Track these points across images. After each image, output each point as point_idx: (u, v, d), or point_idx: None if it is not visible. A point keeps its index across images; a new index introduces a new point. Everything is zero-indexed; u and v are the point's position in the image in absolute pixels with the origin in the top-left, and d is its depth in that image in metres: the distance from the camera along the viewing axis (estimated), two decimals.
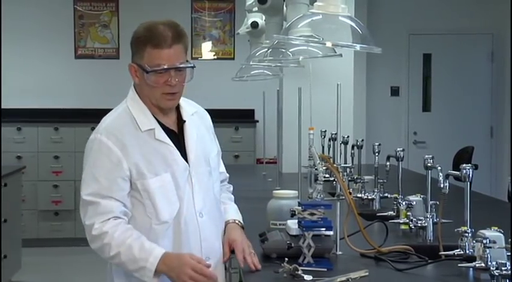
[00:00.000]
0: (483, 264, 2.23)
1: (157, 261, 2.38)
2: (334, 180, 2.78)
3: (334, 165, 2.71)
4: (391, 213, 3.23)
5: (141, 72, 2.47)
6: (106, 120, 2.53)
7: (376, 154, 3.75)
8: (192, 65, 2.52)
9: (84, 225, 2.46)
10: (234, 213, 2.72)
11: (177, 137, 2.55)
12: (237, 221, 2.68)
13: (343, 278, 2.22)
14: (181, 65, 2.47)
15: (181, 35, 2.47)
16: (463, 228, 2.46)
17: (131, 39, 2.51)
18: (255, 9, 4.43)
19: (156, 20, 2.48)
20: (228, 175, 2.87)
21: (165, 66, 2.43)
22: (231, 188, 2.89)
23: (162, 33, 2.42)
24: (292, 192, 2.84)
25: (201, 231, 2.52)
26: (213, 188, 2.61)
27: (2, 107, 8.08)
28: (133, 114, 2.51)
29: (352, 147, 4.23)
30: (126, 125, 2.49)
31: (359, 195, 3.77)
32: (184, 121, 2.58)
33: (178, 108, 2.60)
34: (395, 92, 8.57)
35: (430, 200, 2.88)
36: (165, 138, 2.51)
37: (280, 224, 2.69)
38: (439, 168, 2.72)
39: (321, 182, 2.56)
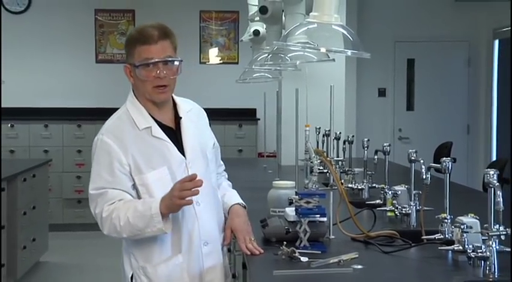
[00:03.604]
0: (461, 247, 2.22)
1: (158, 204, 2.32)
2: (327, 172, 2.77)
3: (328, 158, 2.70)
4: (378, 201, 3.22)
5: (134, 70, 2.42)
6: (108, 122, 2.50)
7: (365, 149, 3.74)
8: (179, 59, 2.44)
9: (95, 215, 2.43)
10: (236, 197, 2.68)
11: (175, 133, 2.49)
12: (239, 203, 2.64)
13: (336, 260, 2.21)
14: (167, 59, 2.40)
15: (168, 33, 2.42)
16: (443, 215, 2.45)
17: (124, 44, 2.50)
18: (257, 18, 4.43)
19: (146, 23, 2.46)
20: (224, 165, 2.82)
21: (153, 60, 2.37)
22: (227, 175, 2.84)
23: (149, 32, 2.39)
24: (290, 183, 2.83)
25: (198, 219, 2.47)
26: (210, 178, 2.55)
27: (31, 106, 8.16)
28: (131, 115, 2.46)
29: (344, 142, 4.23)
30: (125, 125, 2.45)
31: (350, 185, 3.76)
32: (181, 118, 2.52)
33: (175, 106, 2.54)
34: (382, 93, 8.56)
35: (414, 190, 2.87)
36: (161, 135, 2.45)
37: (279, 211, 2.68)
38: (422, 161, 2.71)
39: (316, 174, 2.55)
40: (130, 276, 2.49)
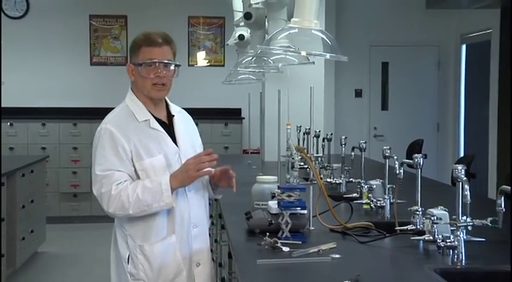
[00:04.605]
0: (431, 237, 2.23)
1: (168, 179, 2.41)
2: (307, 167, 2.77)
3: (308, 155, 2.70)
4: (355, 195, 3.24)
5: (136, 68, 2.52)
6: (109, 115, 2.57)
7: (343, 146, 3.75)
8: (178, 63, 2.55)
9: (101, 195, 2.43)
10: None
11: (168, 128, 2.58)
12: None
13: (315, 249, 2.21)
14: (167, 61, 2.51)
15: (170, 40, 2.54)
16: (415, 207, 2.47)
17: (130, 45, 2.60)
18: (242, 24, 4.41)
19: (152, 31, 2.56)
20: None
21: (154, 60, 2.48)
22: None
23: (154, 37, 2.51)
24: (273, 178, 2.83)
25: (189, 203, 2.53)
26: None
27: (29, 106, 8.11)
28: (131, 109, 2.54)
29: (323, 139, 4.23)
30: (126, 117, 2.52)
31: (328, 180, 3.77)
32: (173, 115, 2.62)
33: (167, 107, 2.63)
34: (358, 93, 8.58)
35: (388, 184, 2.88)
36: (158, 127, 2.54)
37: (262, 204, 2.68)
38: (395, 157, 2.72)
39: (297, 169, 2.56)
40: (127, 256, 2.52)
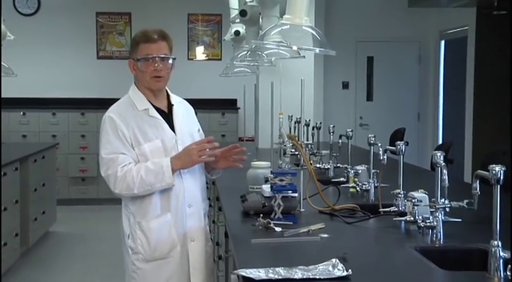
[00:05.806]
0: (412, 218, 2.23)
1: (169, 161, 2.44)
2: (298, 154, 2.77)
3: (299, 142, 2.70)
4: (342, 179, 3.24)
5: (136, 63, 2.53)
6: (113, 105, 2.60)
7: (331, 134, 3.75)
8: (173, 57, 2.55)
9: (108, 176, 2.46)
10: None
11: (167, 116, 2.59)
12: None
13: (305, 230, 2.22)
14: (163, 55, 2.51)
15: (166, 36, 2.53)
16: (397, 191, 2.47)
17: (130, 43, 2.62)
18: (238, 20, 4.40)
19: (149, 28, 2.56)
20: None
21: (151, 56, 2.48)
22: None
23: (151, 34, 2.51)
24: (266, 163, 2.83)
25: (184, 185, 2.53)
26: None
27: (41, 96, 8.08)
28: (132, 100, 2.56)
29: (313, 128, 4.23)
30: (127, 107, 2.55)
31: (318, 165, 3.77)
32: (173, 105, 2.62)
33: (168, 97, 2.63)
34: (345, 85, 8.56)
35: (372, 169, 2.88)
36: (156, 115, 2.55)
37: (256, 188, 2.68)
38: (379, 144, 2.72)
39: (288, 156, 2.55)
40: (128, 232, 2.56)
